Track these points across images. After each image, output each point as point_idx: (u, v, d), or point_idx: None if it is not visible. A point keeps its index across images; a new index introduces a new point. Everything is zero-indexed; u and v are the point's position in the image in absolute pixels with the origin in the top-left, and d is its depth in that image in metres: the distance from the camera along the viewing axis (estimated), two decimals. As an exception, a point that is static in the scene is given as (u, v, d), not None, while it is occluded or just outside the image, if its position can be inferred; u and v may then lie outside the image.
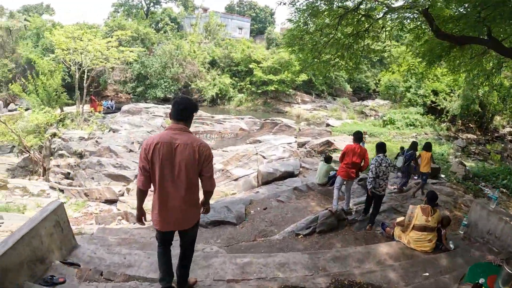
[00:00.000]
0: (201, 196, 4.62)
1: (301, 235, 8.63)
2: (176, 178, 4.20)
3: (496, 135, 33.41)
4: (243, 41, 50.26)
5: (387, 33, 12.94)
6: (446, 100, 33.10)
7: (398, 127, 31.30)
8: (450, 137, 30.69)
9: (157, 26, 54.53)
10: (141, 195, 4.50)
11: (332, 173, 12.17)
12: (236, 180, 16.30)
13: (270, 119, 26.46)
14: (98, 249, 6.11)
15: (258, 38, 62.38)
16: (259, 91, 44.33)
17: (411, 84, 35.48)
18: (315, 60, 13.49)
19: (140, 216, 4.68)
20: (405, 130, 30.70)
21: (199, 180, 4.40)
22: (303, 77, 43.45)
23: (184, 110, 4.28)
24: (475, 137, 31.77)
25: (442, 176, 15.27)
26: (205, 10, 63.32)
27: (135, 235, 8.35)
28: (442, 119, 32.75)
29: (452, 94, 33.18)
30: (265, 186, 14.68)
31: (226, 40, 51.11)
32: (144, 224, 4.83)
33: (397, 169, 13.53)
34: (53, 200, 5.97)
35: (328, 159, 12.38)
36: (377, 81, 51.15)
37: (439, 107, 33.19)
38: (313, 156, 19.99)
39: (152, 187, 4.41)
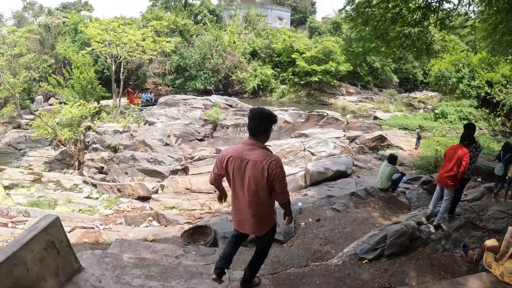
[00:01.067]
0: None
1: (365, 260, 6.90)
2: (246, 192, 4.30)
3: None
4: (283, 31, 48.15)
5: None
6: (502, 92, 30.54)
7: (450, 121, 29.12)
8: (506, 133, 28.79)
9: (195, 18, 52.97)
10: (217, 185, 4.83)
11: (396, 176, 10.20)
12: (281, 180, 14.55)
13: (315, 111, 24.41)
14: (105, 276, 4.90)
15: (299, 28, 60.20)
16: (302, 82, 42.01)
17: (464, 75, 33.05)
18: (379, 40, 11.25)
19: (221, 197, 4.99)
20: (459, 125, 28.22)
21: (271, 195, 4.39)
22: (348, 67, 41.23)
23: (258, 125, 4.30)
24: None
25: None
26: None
27: (157, 252, 6.66)
28: (498, 113, 30.09)
29: (508, 86, 30.62)
30: (314, 187, 12.89)
31: (267, 30, 49.03)
32: (222, 203, 5.29)
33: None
34: (47, 215, 4.52)
35: (392, 159, 10.29)
36: (425, 72, 48.41)
37: (494, 100, 30.53)
38: (366, 152, 18.03)
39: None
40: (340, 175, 13.57)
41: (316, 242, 7.61)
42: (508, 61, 18.17)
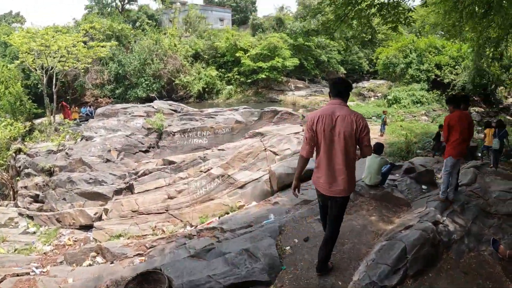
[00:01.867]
0: None
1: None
2: (337, 146, 4.59)
3: (501, 106, 31.89)
4: (226, 29, 46.19)
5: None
6: (452, 74, 30.86)
7: (404, 106, 29.14)
8: None
9: (134, 25, 50.03)
10: (303, 162, 5.01)
11: (385, 167, 8.57)
12: (242, 187, 12.50)
13: (268, 108, 22.45)
14: None
15: (241, 28, 58.44)
16: (249, 80, 40.14)
17: (412, 60, 33.19)
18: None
19: (295, 186, 5.10)
20: (413, 108, 28.53)
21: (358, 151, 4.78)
22: (294, 62, 39.84)
23: (343, 89, 4.81)
24: (482, 110, 29.90)
25: (479, 154, 14.21)
26: (184, 3, 59.05)
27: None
28: (449, 93, 29.63)
29: (457, 67, 31.01)
30: (283, 192, 11.06)
31: (208, 31, 46.81)
32: (297, 196, 5.26)
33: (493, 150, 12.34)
34: None
35: (379, 149, 8.63)
36: (371, 61, 48.11)
37: (445, 81, 30.90)
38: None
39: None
40: (312, 173, 11.72)
41: (313, 273, 5.47)
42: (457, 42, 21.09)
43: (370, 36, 48.55)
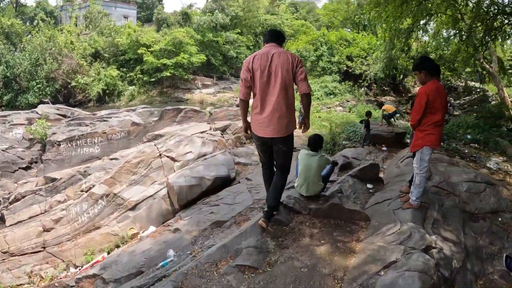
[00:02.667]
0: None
1: None
2: (274, 82, 4.50)
3: (409, 95, 31.65)
4: (128, 25, 41.47)
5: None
6: (364, 65, 30.01)
7: (318, 98, 27.50)
8: (371, 101, 27.91)
9: (32, 23, 43.97)
10: (244, 105, 4.85)
11: (326, 169, 5.68)
12: (133, 208, 9.28)
13: (170, 106, 19.33)
14: None
15: (147, 25, 53.90)
16: (153, 79, 36.04)
17: (323, 52, 31.67)
18: None
19: (246, 127, 4.99)
20: (326, 100, 27.18)
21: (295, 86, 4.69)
22: (201, 58, 36.64)
23: (276, 34, 4.82)
24: (393, 98, 29.67)
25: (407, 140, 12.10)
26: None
27: None
28: (362, 84, 29.59)
29: (368, 58, 30.36)
30: (187, 211, 8.23)
31: (109, 27, 41.49)
32: (249, 135, 5.07)
33: None
34: None
35: (317, 143, 5.63)
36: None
37: (356, 72, 29.97)
38: (244, 143, 13.42)
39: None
40: (222, 182, 9.00)
41: None
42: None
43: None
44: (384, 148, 11.91)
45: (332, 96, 27.95)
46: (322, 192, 5.64)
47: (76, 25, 44.24)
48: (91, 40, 38.87)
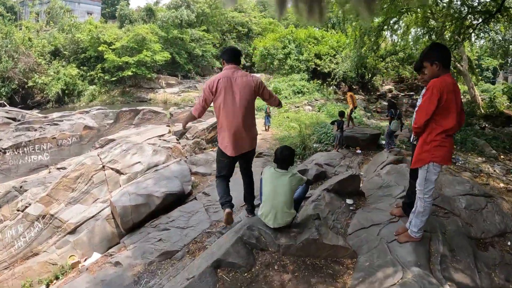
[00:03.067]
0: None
1: None
2: (238, 103, 4.59)
3: (378, 93, 31.82)
4: (89, 21, 38.78)
5: None
6: (333, 63, 29.09)
7: (285, 96, 26.06)
8: (340, 100, 26.80)
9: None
10: (191, 118, 5.09)
11: (298, 192, 4.41)
12: (73, 232, 7.66)
13: (126, 108, 17.64)
14: None
15: (111, 22, 51.35)
16: (114, 79, 33.81)
17: (291, 50, 30.54)
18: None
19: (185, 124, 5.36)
20: (294, 99, 25.77)
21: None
22: (165, 56, 34.76)
23: (236, 54, 4.84)
24: (362, 97, 28.89)
25: (383, 142, 11.35)
26: (48, -5, 50.55)
27: None
28: (331, 83, 28.55)
29: (337, 56, 29.50)
30: (133, 236, 6.78)
31: (69, 23, 38.30)
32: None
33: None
34: None
35: (287, 159, 4.21)
36: (246, 55, 44.91)
37: (325, 71, 29.04)
38: (204, 149, 11.99)
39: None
40: (175, 199, 7.49)
41: None
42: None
43: (246, 29, 45.53)
44: (359, 151, 10.84)
45: (300, 95, 26.64)
46: (294, 220, 4.29)
47: (37, 21, 41.46)
48: (51, 37, 36.44)
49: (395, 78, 34.85)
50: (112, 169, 8.54)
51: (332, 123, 11.24)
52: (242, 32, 45.45)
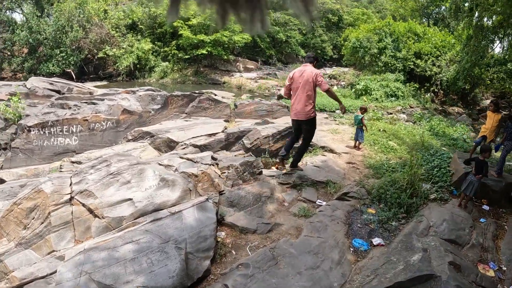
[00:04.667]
0: None
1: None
2: (301, 89, 6.98)
3: (478, 108, 25.66)
4: None
5: None
6: (435, 66, 24.06)
7: (376, 98, 21.60)
8: (437, 110, 22.21)
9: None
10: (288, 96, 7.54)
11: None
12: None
13: (179, 92, 14.06)
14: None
15: None
16: (188, 56, 30.59)
17: (387, 45, 25.46)
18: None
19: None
20: (387, 103, 21.09)
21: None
22: (245, 37, 31.07)
23: (309, 58, 7.28)
24: (462, 110, 23.99)
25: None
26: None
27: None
28: (432, 88, 23.93)
29: (440, 58, 24.26)
30: None
31: None
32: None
33: None
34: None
35: None
36: (335, 47, 40.29)
37: (426, 74, 24.18)
38: (260, 173, 7.83)
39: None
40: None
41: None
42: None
43: (336, 18, 40.89)
44: (486, 207, 7.00)
45: (393, 98, 21.95)
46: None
47: None
48: (129, 10, 34.09)
49: (496, 93, 28.05)
50: (83, 205, 4.93)
51: (468, 162, 6.98)
52: (332, 20, 40.74)
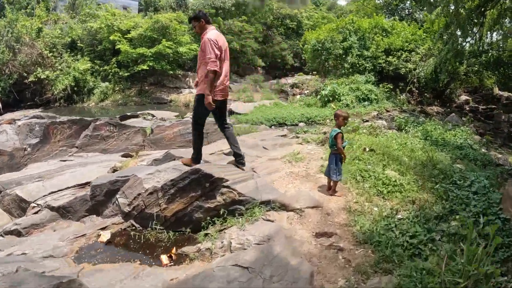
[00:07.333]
0: None
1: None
2: (227, 60, 5.63)
3: (454, 105, 22.87)
4: (106, 7, 30.35)
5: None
6: (409, 62, 20.23)
7: (347, 104, 17.69)
8: (417, 112, 18.70)
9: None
10: (216, 77, 5.27)
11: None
12: None
13: (65, 117, 9.41)
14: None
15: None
16: (128, 74, 25.66)
17: (352, 43, 21.52)
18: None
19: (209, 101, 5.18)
20: (360, 108, 17.25)
21: None
22: (192, 48, 26.26)
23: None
24: (440, 109, 20.83)
25: None
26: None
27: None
28: (409, 87, 20.08)
29: (413, 53, 20.50)
30: None
31: (84, 11, 30.48)
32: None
33: None
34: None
35: None
36: (296, 55, 36.19)
37: (401, 72, 20.30)
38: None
39: None
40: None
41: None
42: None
43: (295, 23, 36.87)
44: None
45: (366, 103, 18.02)
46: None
47: (50, 10, 33.97)
48: (68, 28, 29.09)
49: (468, 87, 25.51)
50: None
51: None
52: (290, 26, 36.66)
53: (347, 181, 5.45)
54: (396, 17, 27.73)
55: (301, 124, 14.54)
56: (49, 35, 27.32)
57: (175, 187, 4.89)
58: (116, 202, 5.15)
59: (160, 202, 4.83)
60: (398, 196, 5.06)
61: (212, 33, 5.20)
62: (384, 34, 21.91)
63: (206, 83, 5.02)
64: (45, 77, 24.91)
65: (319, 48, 21.97)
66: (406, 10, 30.64)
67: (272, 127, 14.17)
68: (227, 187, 4.76)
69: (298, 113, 15.61)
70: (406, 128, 12.48)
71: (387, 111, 17.41)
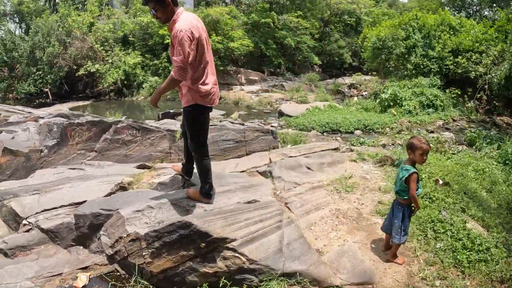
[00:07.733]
0: None
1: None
2: (211, 55, 4.15)
3: None
4: None
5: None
6: (480, 65, 17.46)
7: (409, 111, 15.67)
8: (486, 123, 15.92)
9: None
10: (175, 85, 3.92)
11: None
12: None
13: (85, 117, 8.37)
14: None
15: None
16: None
17: (416, 42, 19.35)
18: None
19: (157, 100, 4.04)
20: (423, 116, 15.15)
21: None
22: (246, 44, 25.03)
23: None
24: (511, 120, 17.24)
25: None
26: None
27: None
28: (479, 94, 17.32)
29: (484, 55, 17.65)
30: None
31: (135, 6, 29.65)
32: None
33: None
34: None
35: None
36: (354, 54, 34.18)
37: (470, 75, 17.43)
38: None
39: None
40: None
41: None
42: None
43: (354, 20, 34.77)
44: None
45: (431, 109, 15.99)
46: None
47: (103, 5, 34.25)
48: (121, 22, 28.90)
49: None
50: None
51: None
52: (348, 22, 34.66)
53: (413, 237, 3.92)
54: (463, 13, 25.29)
55: (357, 132, 12.99)
56: (100, 29, 27.34)
57: (159, 240, 3.63)
58: (101, 239, 3.99)
59: (144, 254, 3.61)
60: (483, 269, 3.51)
61: (184, 19, 3.58)
62: (451, 32, 19.64)
63: (169, 86, 3.68)
64: (95, 70, 25.08)
65: (380, 46, 20.13)
66: (474, 7, 27.93)
67: (325, 133, 12.82)
68: (233, 250, 3.47)
69: (355, 119, 14.02)
70: (478, 144, 10.61)
71: (454, 120, 15.53)
